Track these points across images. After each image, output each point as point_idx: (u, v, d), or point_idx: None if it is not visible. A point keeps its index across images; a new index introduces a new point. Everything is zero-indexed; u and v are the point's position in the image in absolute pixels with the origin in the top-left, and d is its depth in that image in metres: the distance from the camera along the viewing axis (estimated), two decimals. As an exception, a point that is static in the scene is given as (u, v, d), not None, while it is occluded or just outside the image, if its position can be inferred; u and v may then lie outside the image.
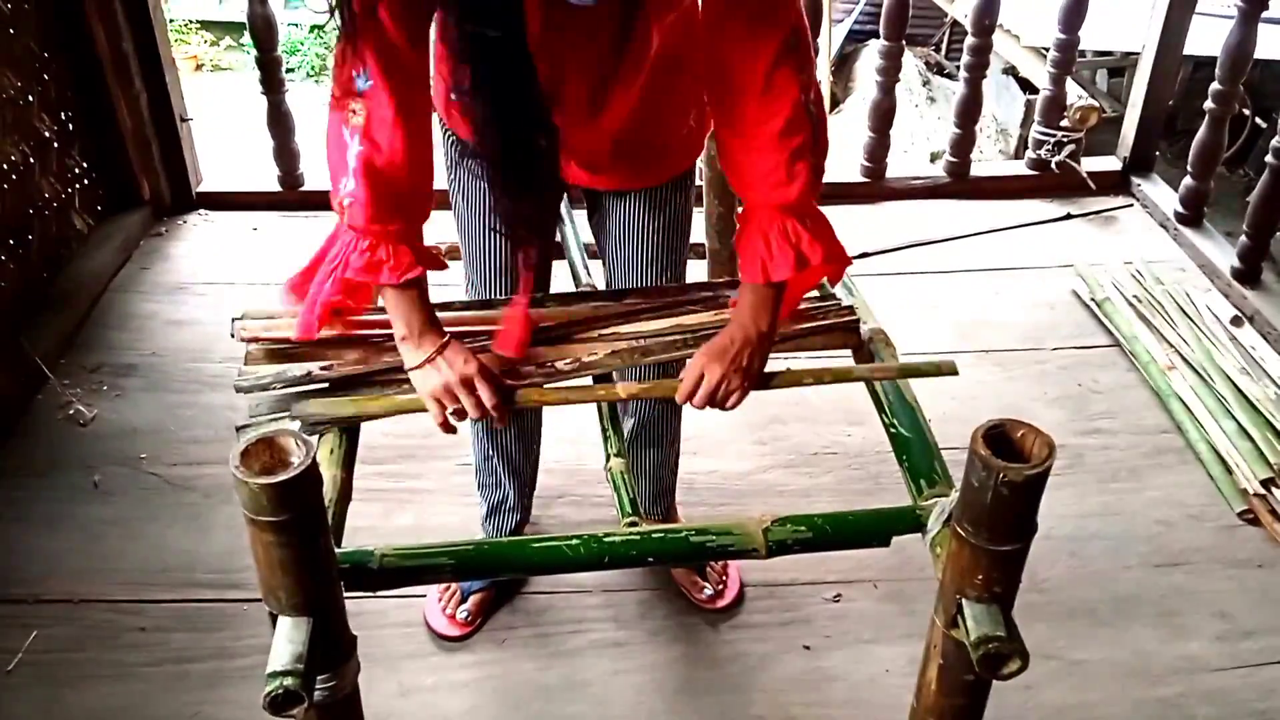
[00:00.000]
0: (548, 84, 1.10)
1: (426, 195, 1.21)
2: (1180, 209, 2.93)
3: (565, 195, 1.72)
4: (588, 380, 1.36)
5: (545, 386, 1.29)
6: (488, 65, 1.07)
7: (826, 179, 1.24)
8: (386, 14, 1.08)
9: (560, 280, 1.57)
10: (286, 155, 2.96)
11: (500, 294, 1.50)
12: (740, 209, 1.31)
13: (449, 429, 1.25)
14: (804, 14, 1.18)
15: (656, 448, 1.80)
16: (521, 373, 1.29)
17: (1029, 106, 4.63)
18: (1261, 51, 2.76)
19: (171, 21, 6.43)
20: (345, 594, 0.99)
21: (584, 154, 1.38)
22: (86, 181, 2.74)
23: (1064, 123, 3.08)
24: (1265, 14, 2.65)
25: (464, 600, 1.79)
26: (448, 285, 1.42)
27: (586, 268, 1.73)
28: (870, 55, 5.51)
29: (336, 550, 1.00)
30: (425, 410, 1.25)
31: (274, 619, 0.93)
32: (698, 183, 2.08)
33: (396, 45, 1.10)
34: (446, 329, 1.26)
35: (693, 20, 1.25)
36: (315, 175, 3.03)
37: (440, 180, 1.30)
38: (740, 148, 1.21)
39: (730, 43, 1.17)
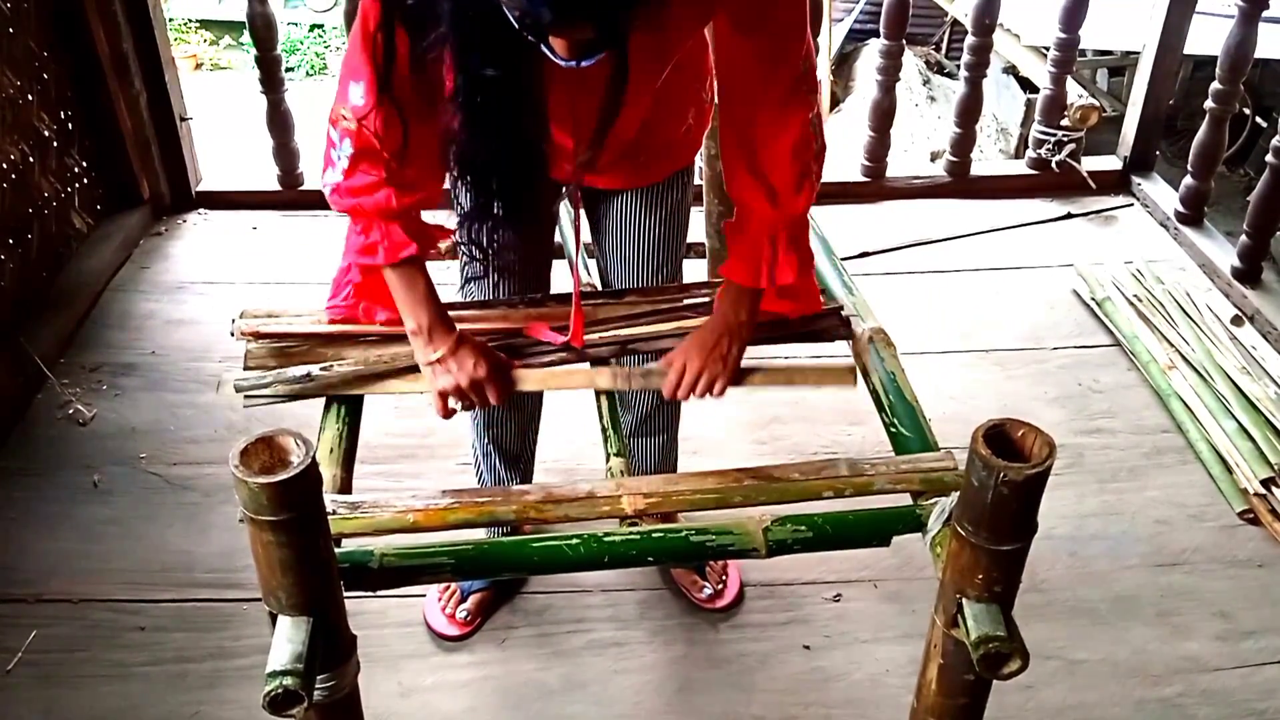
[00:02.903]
0: (554, 114, 1.11)
1: (422, 180, 1.21)
2: (1181, 208, 2.92)
3: (563, 194, 1.72)
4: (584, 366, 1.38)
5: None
6: (488, 114, 1.07)
7: (827, 178, 1.30)
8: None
9: (558, 280, 1.57)
10: (286, 154, 2.96)
11: (498, 294, 1.50)
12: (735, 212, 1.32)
13: (448, 416, 1.32)
14: (812, 45, 1.23)
15: (658, 435, 1.81)
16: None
17: (1029, 106, 4.62)
18: (1262, 51, 2.76)
19: (171, 20, 6.44)
20: (345, 594, 0.99)
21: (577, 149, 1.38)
22: (86, 181, 2.74)
23: (1064, 122, 3.08)
24: (1265, 13, 2.64)
25: (464, 600, 1.79)
26: (446, 285, 1.41)
27: (587, 267, 1.73)
28: (870, 54, 5.51)
29: (336, 550, 1.00)
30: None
31: (273, 619, 0.93)
32: (697, 182, 2.08)
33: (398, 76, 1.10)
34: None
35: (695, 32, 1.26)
36: (315, 174, 3.02)
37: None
38: (749, 160, 1.25)
39: (745, 76, 1.22)
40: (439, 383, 1.28)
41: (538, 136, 1.14)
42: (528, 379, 1.32)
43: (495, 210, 1.21)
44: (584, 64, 0.97)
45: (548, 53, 0.97)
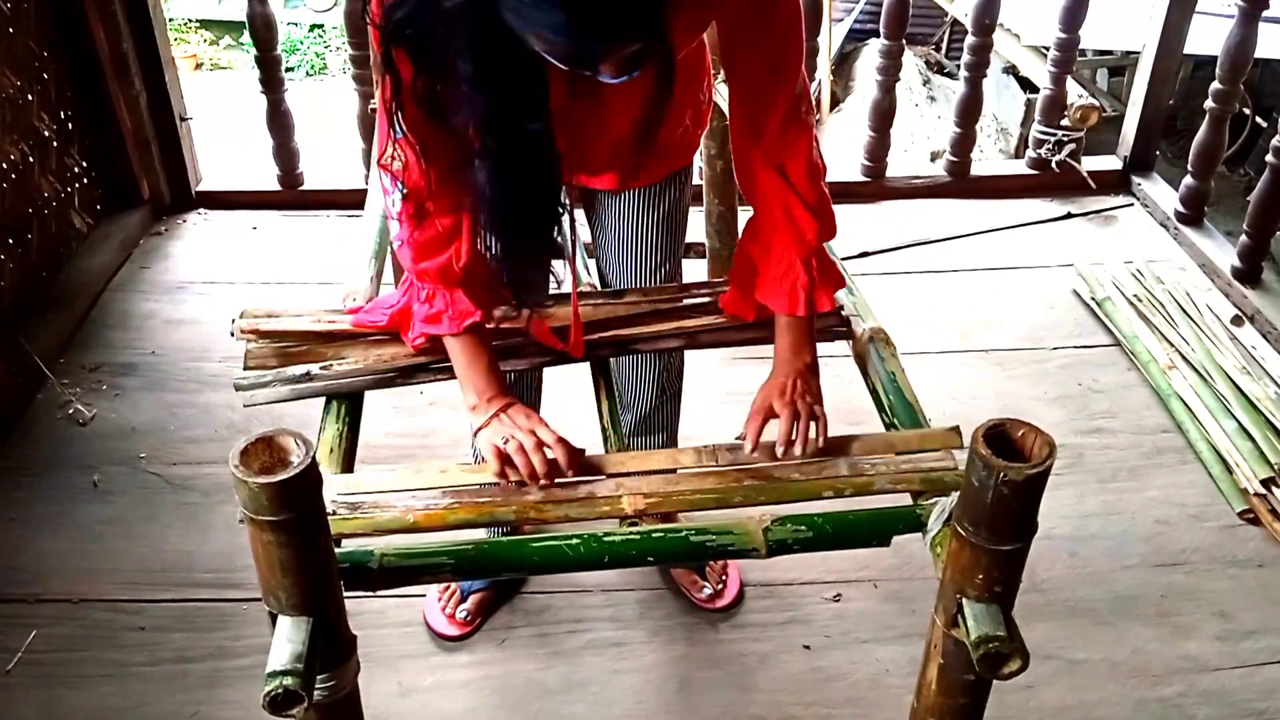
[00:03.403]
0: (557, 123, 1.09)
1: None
2: (1180, 208, 2.92)
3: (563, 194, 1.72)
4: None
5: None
6: (507, 153, 1.06)
7: (827, 178, 1.29)
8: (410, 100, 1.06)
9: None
10: (286, 154, 2.96)
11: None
12: (751, 243, 1.32)
13: (506, 478, 1.20)
14: (806, 76, 1.25)
15: (658, 434, 1.81)
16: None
17: (1029, 105, 4.62)
18: (1262, 51, 2.76)
19: (171, 20, 6.44)
20: (345, 594, 0.98)
21: (583, 160, 1.38)
22: (86, 181, 2.74)
23: (1064, 122, 3.08)
24: (1265, 13, 2.64)
25: (464, 600, 1.79)
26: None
27: (587, 267, 1.73)
28: (870, 54, 5.50)
29: (336, 550, 1.00)
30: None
31: (273, 618, 0.93)
32: (697, 182, 2.08)
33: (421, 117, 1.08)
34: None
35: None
36: (314, 174, 3.03)
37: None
38: (782, 175, 1.24)
39: (753, 92, 1.23)
40: (491, 435, 1.21)
41: (558, 175, 1.12)
42: (609, 463, 1.23)
43: (522, 251, 1.18)
44: (632, 76, 0.96)
45: (597, 77, 0.95)
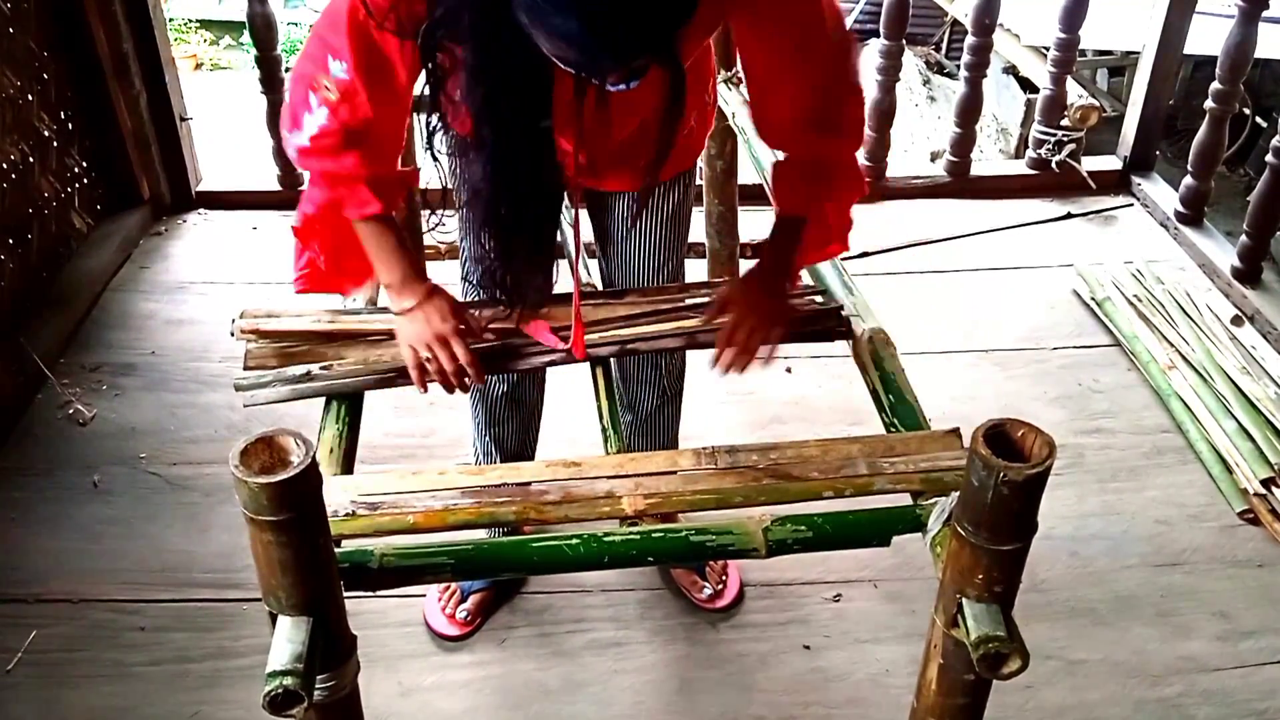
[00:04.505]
0: (556, 123, 1.10)
1: (391, 153, 1.24)
2: (1180, 208, 2.92)
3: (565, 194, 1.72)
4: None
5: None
6: (504, 147, 1.08)
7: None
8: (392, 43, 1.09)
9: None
10: (286, 154, 2.95)
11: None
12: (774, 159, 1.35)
13: (424, 387, 1.30)
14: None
15: (659, 435, 1.81)
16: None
17: (1029, 106, 4.61)
18: (1261, 51, 2.76)
19: (171, 21, 6.43)
20: (345, 594, 0.99)
21: (589, 163, 1.38)
22: (86, 181, 2.74)
23: (1064, 122, 3.08)
24: (1265, 13, 2.64)
25: (464, 600, 1.79)
26: (448, 285, 1.41)
27: (587, 267, 1.73)
28: (870, 54, 5.50)
29: (336, 550, 1.00)
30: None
31: (273, 619, 0.93)
32: (697, 182, 2.08)
33: (387, 62, 1.12)
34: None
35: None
36: (315, 174, 3.03)
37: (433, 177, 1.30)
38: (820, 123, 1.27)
39: (782, 70, 1.25)
40: (403, 334, 1.27)
41: (558, 175, 1.14)
42: (609, 463, 1.23)
43: (518, 249, 1.19)
44: (633, 85, 0.97)
45: (601, 85, 0.97)
